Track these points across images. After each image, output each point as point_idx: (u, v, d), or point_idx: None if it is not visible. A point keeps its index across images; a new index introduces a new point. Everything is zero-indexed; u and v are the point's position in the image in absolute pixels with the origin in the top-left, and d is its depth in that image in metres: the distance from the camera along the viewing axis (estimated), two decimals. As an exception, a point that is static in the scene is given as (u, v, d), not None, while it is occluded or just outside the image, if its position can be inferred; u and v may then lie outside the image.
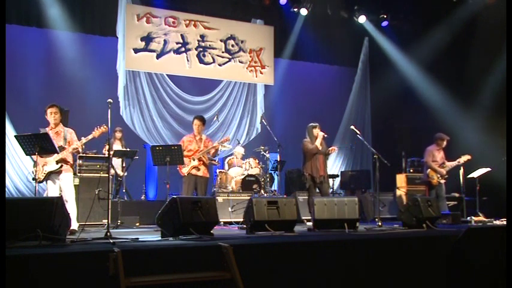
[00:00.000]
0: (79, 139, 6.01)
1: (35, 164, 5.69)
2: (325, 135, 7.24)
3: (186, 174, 7.16)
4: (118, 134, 9.11)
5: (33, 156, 5.61)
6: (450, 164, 8.37)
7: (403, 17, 11.99)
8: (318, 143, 7.11)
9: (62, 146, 5.85)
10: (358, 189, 10.28)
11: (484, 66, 10.68)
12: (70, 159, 6.01)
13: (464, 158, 8.33)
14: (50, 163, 5.81)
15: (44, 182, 5.93)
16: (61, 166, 5.84)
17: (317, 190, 7.21)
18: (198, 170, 7.20)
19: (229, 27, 11.30)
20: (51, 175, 5.85)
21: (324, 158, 7.22)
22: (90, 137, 5.92)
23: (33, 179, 5.67)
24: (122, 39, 10.25)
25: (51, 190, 5.89)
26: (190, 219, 4.89)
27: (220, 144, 7.58)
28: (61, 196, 5.61)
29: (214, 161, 8.71)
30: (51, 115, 5.97)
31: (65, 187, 5.90)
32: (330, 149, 7.25)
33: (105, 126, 5.75)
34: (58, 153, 5.75)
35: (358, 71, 12.73)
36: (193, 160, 7.17)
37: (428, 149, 8.54)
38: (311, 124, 7.29)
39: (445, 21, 11.39)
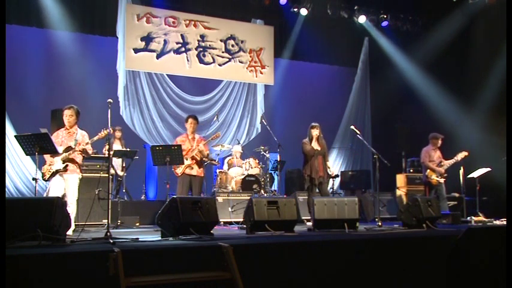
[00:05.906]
0: None
1: (44, 162, 5.77)
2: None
3: (179, 175, 7.18)
4: (118, 134, 9.11)
5: (43, 156, 5.67)
6: (448, 162, 8.37)
7: (403, 17, 11.99)
8: (313, 144, 7.14)
9: (70, 146, 5.87)
10: (358, 189, 10.28)
11: (484, 66, 10.68)
12: (78, 160, 6.00)
13: (462, 155, 8.32)
14: (57, 162, 5.84)
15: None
16: (66, 166, 5.84)
17: (317, 190, 7.21)
18: (192, 169, 7.18)
19: (229, 27, 11.30)
20: (56, 174, 5.86)
21: (324, 159, 7.20)
22: (95, 138, 5.93)
23: (33, 179, 5.66)
24: (122, 39, 10.25)
25: (53, 187, 5.87)
26: (190, 219, 4.90)
27: (210, 140, 7.57)
28: (61, 196, 5.63)
29: (214, 161, 8.71)
30: (66, 117, 6.03)
31: (67, 188, 5.89)
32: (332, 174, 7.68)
33: (110, 129, 5.75)
34: (58, 153, 5.75)
35: (358, 71, 12.73)
36: (186, 160, 7.14)
37: (424, 149, 8.55)
38: (311, 124, 7.31)
39: (445, 21, 11.39)
